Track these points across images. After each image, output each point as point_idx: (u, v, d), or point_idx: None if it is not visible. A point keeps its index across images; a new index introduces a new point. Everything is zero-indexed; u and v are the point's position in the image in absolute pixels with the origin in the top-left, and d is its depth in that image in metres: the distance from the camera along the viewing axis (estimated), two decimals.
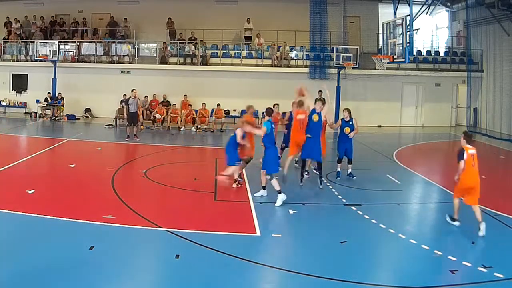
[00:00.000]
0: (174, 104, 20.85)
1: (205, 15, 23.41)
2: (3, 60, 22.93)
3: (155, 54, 23.07)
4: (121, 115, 19.59)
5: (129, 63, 22.71)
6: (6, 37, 23.42)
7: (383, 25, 16.10)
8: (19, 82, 23.30)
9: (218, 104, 20.24)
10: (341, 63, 21.27)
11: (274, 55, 22.40)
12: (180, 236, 7.13)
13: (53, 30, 23.88)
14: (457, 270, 6.23)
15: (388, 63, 16.12)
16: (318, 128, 10.33)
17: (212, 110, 20.50)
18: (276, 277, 6.14)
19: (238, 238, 7.33)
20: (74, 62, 22.62)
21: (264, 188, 9.51)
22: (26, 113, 22.77)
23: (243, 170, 10.90)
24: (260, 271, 6.28)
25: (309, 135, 10.23)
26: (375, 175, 12.08)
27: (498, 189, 11.10)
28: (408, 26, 13.86)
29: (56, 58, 21.39)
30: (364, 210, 8.83)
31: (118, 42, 22.88)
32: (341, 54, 21.45)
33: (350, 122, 11.25)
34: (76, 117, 22.08)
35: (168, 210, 8.83)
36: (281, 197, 8.94)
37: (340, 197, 9.79)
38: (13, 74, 23.32)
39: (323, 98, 10.94)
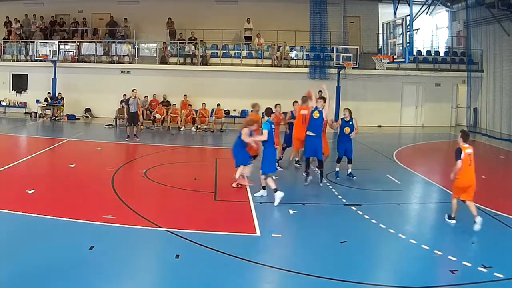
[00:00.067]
0: (174, 104, 20.86)
1: (205, 15, 23.41)
2: (3, 60, 22.93)
3: (155, 54, 23.07)
4: (121, 115, 19.59)
5: (129, 63, 22.71)
6: (6, 37, 23.42)
7: (383, 25, 16.10)
8: (19, 82, 23.30)
9: (218, 104, 20.24)
10: (341, 63, 21.27)
11: (274, 55, 22.40)
12: (180, 236, 7.13)
13: (53, 30, 23.88)
14: (457, 270, 6.22)
15: (388, 63, 16.12)
16: (319, 126, 10.41)
17: (212, 110, 20.50)
18: (276, 277, 6.14)
19: (238, 238, 7.33)
20: (74, 62, 22.62)
21: (264, 188, 9.51)
22: (26, 113, 22.78)
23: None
24: (260, 271, 6.28)
25: (310, 133, 10.26)
26: (375, 175, 12.08)
27: (498, 189, 11.11)
28: (408, 26, 13.86)
29: (56, 58, 21.39)
30: (364, 210, 8.82)
31: (118, 42, 22.88)
32: (341, 54, 21.45)
33: (350, 122, 11.24)
34: (76, 117, 22.08)
35: (168, 210, 8.83)
36: (279, 195, 8.94)
37: (340, 197, 9.79)
38: (13, 74, 23.32)
39: (324, 97, 10.94)
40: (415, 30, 15.81)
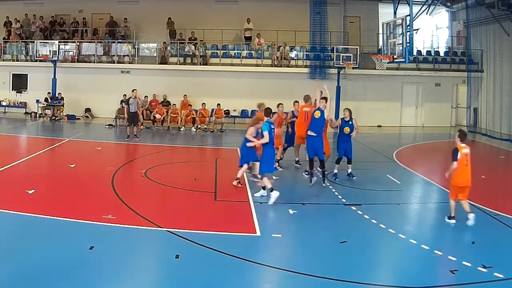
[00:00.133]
0: (174, 104, 20.86)
1: (205, 15, 23.41)
2: (3, 60, 22.93)
3: (155, 54, 23.07)
4: (121, 115, 19.60)
5: (129, 63, 22.71)
6: (6, 37, 23.42)
7: (383, 25, 16.10)
8: (19, 82, 23.30)
9: (218, 104, 20.24)
10: (341, 63, 21.28)
11: (274, 55, 22.40)
12: (180, 236, 7.13)
13: (53, 30, 23.88)
14: (457, 270, 6.22)
15: (388, 63, 16.11)
16: (320, 126, 10.41)
17: (212, 110, 20.49)
18: (276, 277, 6.14)
19: (238, 238, 7.33)
20: (74, 62, 22.62)
21: (264, 188, 9.50)
22: (26, 113, 22.77)
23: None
24: (260, 271, 6.28)
25: (311, 133, 10.25)
26: (375, 175, 12.08)
27: (498, 189, 11.12)
28: (408, 26, 13.86)
29: (56, 58, 21.39)
30: (364, 210, 8.82)
31: (118, 42, 22.88)
32: (341, 54, 21.46)
33: (350, 122, 11.25)
34: (76, 117, 22.08)
35: (168, 210, 8.83)
36: (274, 195, 8.95)
37: (340, 197, 9.79)
38: (13, 74, 23.32)
39: (326, 97, 10.90)
40: (415, 30, 15.81)
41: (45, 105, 21.78)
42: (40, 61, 21.67)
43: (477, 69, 22.45)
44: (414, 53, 20.47)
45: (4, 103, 22.82)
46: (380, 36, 18.36)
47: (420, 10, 21.06)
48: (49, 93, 21.77)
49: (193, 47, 22.45)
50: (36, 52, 21.66)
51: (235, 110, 22.34)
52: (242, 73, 22.30)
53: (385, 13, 20.96)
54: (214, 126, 19.98)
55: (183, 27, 23.25)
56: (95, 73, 22.49)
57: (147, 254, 6.73)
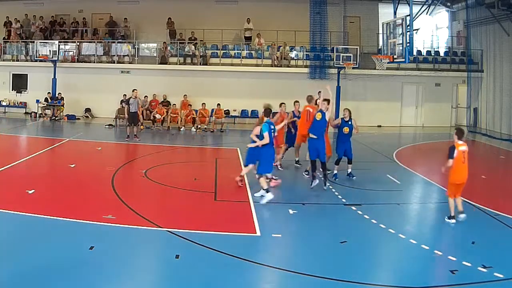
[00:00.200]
0: (174, 104, 20.85)
1: (205, 15, 23.41)
2: (3, 60, 22.93)
3: (155, 54, 23.07)
4: (121, 115, 19.60)
5: (129, 63, 22.71)
6: (6, 37, 23.42)
7: (383, 25, 16.10)
8: (19, 82, 23.30)
9: (218, 104, 20.24)
10: (341, 63, 21.27)
11: (274, 55, 22.40)
12: (180, 236, 7.13)
13: (53, 30, 23.88)
14: (457, 270, 6.22)
15: (388, 63, 16.12)
16: (322, 128, 10.32)
17: (212, 110, 20.49)
18: (276, 277, 6.14)
19: (238, 238, 7.33)
20: (74, 62, 22.62)
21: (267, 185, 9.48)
22: (26, 113, 22.77)
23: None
24: (260, 271, 6.28)
25: (312, 135, 10.19)
26: (375, 175, 12.08)
27: (498, 189, 11.13)
28: (408, 26, 13.86)
29: (56, 58, 21.39)
30: (364, 210, 8.83)
31: (118, 42, 22.88)
32: (341, 54, 21.45)
33: (350, 122, 11.27)
34: (76, 117, 22.08)
35: (168, 210, 8.83)
36: (268, 197, 8.94)
37: (340, 197, 9.79)
38: (13, 74, 23.32)
39: (328, 99, 10.86)
40: (415, 30, 15.82)
41: (45, 105, 21.78)
42: (40, 61, 21.67)
43: (477, 69, 22.45)
44: (414, 53, 20.47)
45: (4, 103, 22.82)
46: (380, 36, 18.36)
47: (420, 10, 21.06)
48: (49, 93, 21.77)
49: (193, 47, 22.45)
50: (36, 52, 21.65)
51: (235, 110, 22.35)
52: (242, 73, 22.30)
53: (385, 13, 20.97)
54: (214, 126, 19.97)
55: (183, 27, 23.25)
56: (95, 73, 22.49)
57: (147, 254, 6.73)
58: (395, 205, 9.46)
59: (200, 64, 22.25)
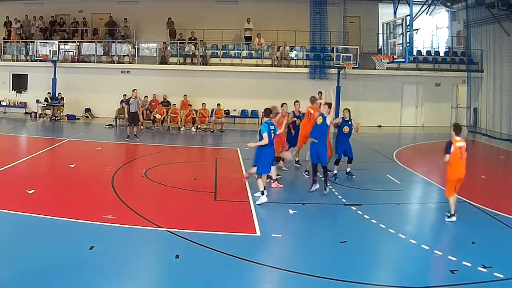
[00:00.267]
0: (174, 104, 20.85)
1: (205, 15, 23.41)
2: (3, 60, 22.93)
3: (155, 54, 23.07)
4: (121, 115, 19.60)
5: (129, 63, 22.71)
6: (6, 37, 23.43)
7: (383, 25, 16.10)
8: (19, 82, 23.30)
9: (218, 104, 20.24)
10: (341, 63, 21.28)
11: (274, 55, 22.40)
12: (180, 236, 7.13)
13: (53, 30, 23.88)
14: (457, 270, 6.22)
15: (388, 63, 16.11)
16: (322, 132, 10.12)
17: (212, 110, 20.49)
18: (276, 277, 6.14)
19: (238, 238, 7.33)
20: (74, 62, 22.62)
21: (264, 188, 9.47)
22: (26, 113, 22.77)
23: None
24: (260, 271, 6.28)
25: (314, 140, 10.12)
26: (375, 175, 12.08)
27: (498, 189, 11.13)
28: (408, 26, 13.86)
29: (56, 58, 21.39)
30: (364, 210, 8.82)
31: (118, 42, 22.88)
32: (341, 54, 21.46)
33: (349, 122, 11.28)
34: (76, 117, 22.08)
35: (168, 210, 8.83)
36: (263, 199, 8.89)
37: (340, 197, 9.79)
38: (13, 74, 23.32)
39: (330, 103, 10.80)
40: (415, 30, 15.81)
41: (45, 105, 21.77)
42: (40, 61, 21.66)
43: (477, 69, 22.44)
44: (414, 53, 20.47)
45: (4, 103, 22.82)
46: (380, 36, 18.36)
47: (420, 10, 21.05)
48: (49, 93, 21.77)
49: (193, 47, 22.45)
50: (36, 52, 21.65)
51: (235, 110, 22.35)
52: (242, 73, 22.29)
53: (385, 13, 20.96)
54: (214, 126, 19.97)
55: (183, 27, 23.25)
56: (95, 73, 22.48)
57: (147, 254, 6.73)
58: (395, 205, 9.46)
59: (200, 64, 22.25)
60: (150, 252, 6.83)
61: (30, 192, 9.11)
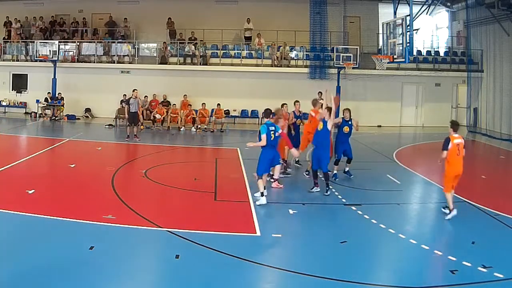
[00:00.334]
0: (174, 104, 20.85)
1: (205, 15, 23.42)
2: (3, 60, 22.94)
3: (155, 54, 23.07)
4: (121, 115, 19.61)
5: (129, 63, 22.71)
6: (6, 37, 23.43)
7: (383, 25, 16.10)
8: (19, 82, 23.31)
9: (218, 104, 20.24)
10: (341, 63, 21.28)
11: (274, 55, 22.40)
12: (180, 236, 7.13)
13: (53, 30, 23.89)
14: (457, 270, 6.22)
15: (388, 63, 16.12)
16: (323, 137, 10.00)
17: (212, 110, 20.49)
18: (276, 277, 6.14)
19: (238, 238, 7.32)
20: (74, 62, 22.63)
21: (264, 188, 9.47)
22: (26, 113, 22.78)
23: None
24: (260, 271, 6.28)
25: (315, 146, 10.09)
26: (375, 175, 12.07)
27: (498, 189, 11.12)
28: (408, 26, 13.87)
29: (56, 58, 21.39)
30: (364, 210, 8.82)
31: (118, 42, 22.88)
32: (341, 54, 21.46)
33: (350, 122, 11.28)
34: (76, 117, 22.08)
35: (168, 210, 8.82)
36: (262, 201, 8.87)
37: (340, 197, 9.79)
38: (13, 74, 23.33)
39: (330, 107, 10.73)
40: (415, 30, 15.82)
41: (45, 105, 21.78)
42: (40, 61, 21.67)
43: (477, 69, 22.44)
44: (414, 53, 20.47)
45: (4, 103, 22.83)
46: (380, 36, 18.36)
47: (420, 10, 21.07)
48: (49, 93, 21.77)
49: (193, 47, 22.45)
50: (36, 52, 21.66)
51: (235, 110, 22.35)
52: (242, 73, 22.29)
53: (385, 13, 20.97)
54: (214, 126, 19.97)
55: (183, 27, 23.24)
56: (95, 73, 22.49)
57: (147, 254, 6.73)
58: (395, 205, 9.45)
59: (200, 64, 22.25)
60: (150, 252, 6.83)
61: (30, 192, 9.11)
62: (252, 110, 22.55)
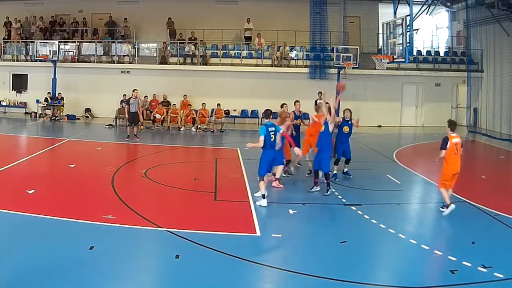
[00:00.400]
0: (174, 104, 20.86)
1: (205, 15, 23.42)
2: (3, 60, 22.94)
3: (155, 54, 23.07)
4: (121, 115, 19.61)
5: (129, 63, 22.71)
6: (6, 37, 23.43)
7: (383, 25, 16.11)
8: (19, 82, 23.31)
9: (218, 104, 20.24)
10: (341, 63, 21.28)
11: (274, 55, 22.40)
12: (180, 236, 7.13)
13: (53, 30, 23.89)
14: (457, 270, 6.22)
15: (388, 63, 16.12)
16: (325, 138, 10.00)
17: (212, 110, 20.49)
18: (276, 277, 6.14)
19: (238, 238, 7.32)
20: (74, 62, 22.63)
21: (265, 189, 9.45)
22: (26, 113, 22.78)
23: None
24: (260, 271, 6.27)
25: (319, 148, 10.10)
26: (375, 175, 12.08)
27: (498, 189, 11.12)
28: (408, 26, 13.87)
29: (56, 58, 21.40)
30: (364, 210, 8.82)
31: (118, 42, 22.88)
32: (341, 54, 21.46)
33: (350, 122, 11.29)
34: (76, 117, 22.08)
35: (168, 210, 8.82)
36: (263, 202, 8.83)
37: (340, 197, 9.79)
38: (13, 74, 23.33)
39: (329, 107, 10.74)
40: (415, 30, 15.81)
41: (45, 105, 21.77)
42: (40, 61, 21.67)
43: (477, 69, 22.45)
44: (414, 53, 20.48)
45: (4, 103, 22.83)
46: (380, 36, 18.37)
47: (420, 10, 21.06)
48: (49, 93, 21.77)
49: (193, 47, 22.45)
50: (36, 52, 21.66)
51: (235, 110, 22.35)
52: (242, 73, 22.29)
53: (385, 13, 20.98)
54: (214, 126, 19.97)
55: (183, 27, 23.24)
56: (95, 73, 22.49)
57: (147, 254, 6.73)
58: (395, 205, 9.46)
59: (200, 64, 22.25)
60: (150, 252, 6.83)
61: (30, 192, 9.11)
62: (252, 110, 22.55)
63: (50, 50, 21.33)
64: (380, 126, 22.80)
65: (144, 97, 20.61)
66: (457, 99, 23.64)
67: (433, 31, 25.70)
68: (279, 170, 9.91)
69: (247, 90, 22.20)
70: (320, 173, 10.06)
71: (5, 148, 14.77)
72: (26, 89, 23.20)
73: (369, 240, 7.42)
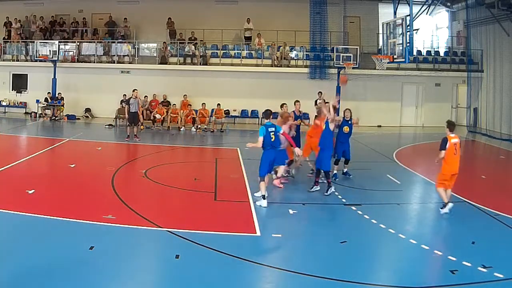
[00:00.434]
0: (174, 104, 20.86)
1: (205, 15, 23.42)
2: (3, 60, 22.94)
3: (155, 54, 23.07)
4: (121, 115, 19.61)
5: (129, 63, 22.71)
6: (6, 37, 23.43)
7: (383, 25, 16.11)
8: (19, 82, 23.31)
9: (218, 104, 20.23)
10: (341, 63, 21.27)
11: (274, 55, 22.40)
12: (180, 236, 7.13)
13: (53, 30, 23.89)
14: (457, 270, 6.22)
15: (388, 63, 16.12)
16: (326, 137, 10.00)
17: (212, 110, 20.49)
18: (276, 277, 6.14)
19: (238, 238, 7.33)
20: (74, 62, 22.63)
21: (266, 190, 9.45)
22: (26, 113, 22.78)
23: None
24: (260, 271, 6.28)
25: (320, 148, 10.11)
26: (375, 175, 12.08)
27: (498, 189, 11.12)
28: (408, 26, 13.87)
29: (56, 58, 21.39)
30: (364, 210, 8.83)
31: (118, 42, 22.88)
32: (341, 54, 21.45)
33: (350, 122, 11.30)
34: (76, 117, 22.08)
35: (168, 210, 8.82)
36: (263, 203, 8.82)
37: (340, 197, 9.79)
38: (13, 74, 23.33)
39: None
40: (415, 30, 15.81)
41: (45, 105, 21.77)
42: (40, 61, 21.67)
43: (477, 69, 22.45)
44: (414, 53, 20.48)
45: (4, 103, 22.82)
46: (380, 36, 18.37)
47: (420, 10, 21.06)
48: (49, 93, 21.77)
49: (193, 47, 22.45)
50: (36, 52, 21.66)
51: (235, 110, 22.34)
52: (242, 73, 22.29)
53: (385, 13, 20.98)
54: (214, 126, 19.97)
55: (183, 27, 23.24)
56: (95, 73, 22.49)
57: (147, 254, 6.73)
58: (395, 205, 9.46)
59: (200, 64, 22.25)
60: (150, 252, 6.83)
61: (30, 192, 9.11)
62: (252, 110, 22.55)
63: (50, 50, 21.33)
64: (380, 126, 22.80)
65: (144, 97, 20.60)
66: (457, 99, 23.64)
67: (433, 31, 25.70)
68: (280, 169, 9.90)
69: (247, 90, 22.20)
70: (321, 173, 10.06)
71: (5, 148, 14.77)
72: (26, 89, 23.20)
73: (369, 240, 7.43)
